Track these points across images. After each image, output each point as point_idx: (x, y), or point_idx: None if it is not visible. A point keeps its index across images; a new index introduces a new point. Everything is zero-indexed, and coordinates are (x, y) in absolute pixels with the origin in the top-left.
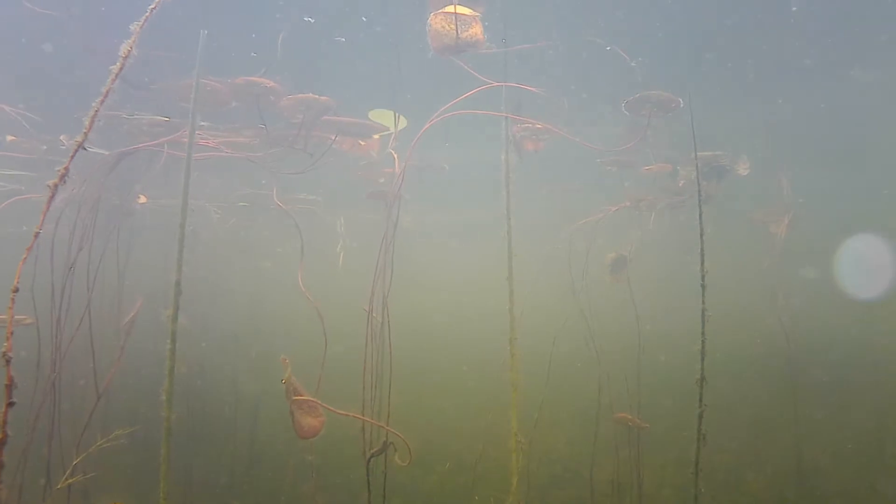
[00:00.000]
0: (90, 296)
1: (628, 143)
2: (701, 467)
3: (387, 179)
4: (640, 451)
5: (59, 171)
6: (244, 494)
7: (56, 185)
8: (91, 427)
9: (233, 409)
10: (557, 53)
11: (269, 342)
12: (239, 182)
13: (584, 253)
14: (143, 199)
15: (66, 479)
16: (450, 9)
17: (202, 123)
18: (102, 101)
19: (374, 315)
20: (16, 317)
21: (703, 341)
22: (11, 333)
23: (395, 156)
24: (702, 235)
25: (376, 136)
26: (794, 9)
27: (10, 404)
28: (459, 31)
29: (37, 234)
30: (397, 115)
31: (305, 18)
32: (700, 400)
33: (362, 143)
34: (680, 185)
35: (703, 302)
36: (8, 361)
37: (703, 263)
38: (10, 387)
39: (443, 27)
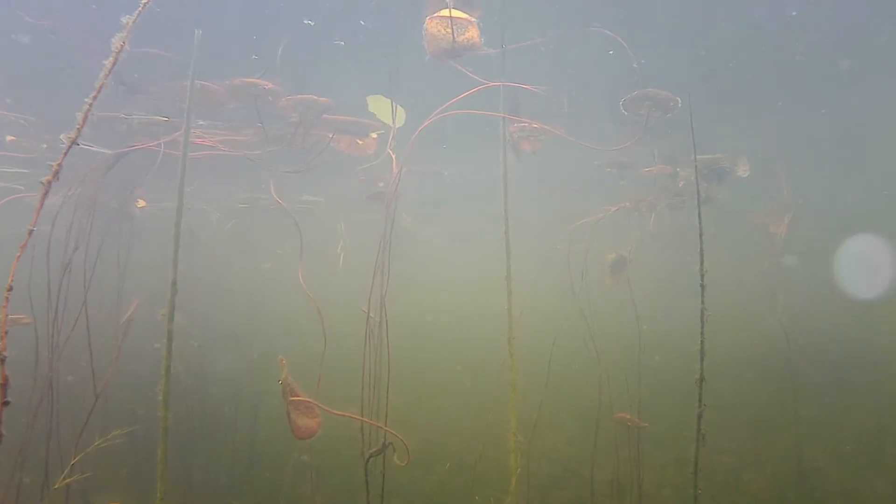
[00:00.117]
0: (86, 295)
1: (626, 143)
2: (701, 467)
3: (386, 183)
4: (639, 451)
5: (52, 166)
6: (244, 494)
7: (49, 182)
8: (91, 427)
9: (232, 408)
10: (556, 53)
11: (269, 342)
12: (239, 184)
13: (584, 253)
14: (142, 204)
15: (64, 479)
16: (445, 13)
17: (201, 123)
18: (96, 97)
19: (372, 315)
20: (13, 316)
21: (702, 341)
22: (6, 333)
23: (394, 156)
24: (701, 235)
25: (374, 135)
26: (794, 13)
27: (5, 403)
28: (456, 35)
29: (31, 232)
30: (395, 105)
31: (305, 21)
32: (699, 400)
33: (360, 141)
34: (680, 185)
35: (703, 302)
36: (2, 361)
37: (702, 263)
38: (4, 386)
39: (439, 31)
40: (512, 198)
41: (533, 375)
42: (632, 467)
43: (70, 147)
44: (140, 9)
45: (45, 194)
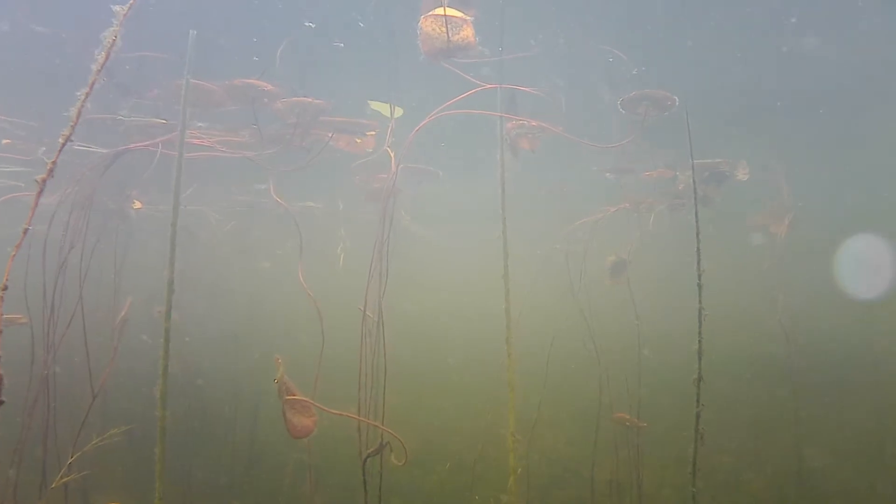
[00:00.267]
0: (81, 294)
1: (622, 141)
2: (700, 467)
3: (381, 184)
4: (639, 450)
5: (47, 164)
6: (243, 494)
7: (44, 180)
8: (90, 427)
9: (232, 408)
10: (554, 53)
11: (268, 342)
12: (237, 186)
13: (584, 254)
14: (137, 205)
15: (61, 478)
16: (440, 11)
17: (199, 124)
18: (88, 93)
19: (370, 315)
20: (9, 316)
21: (699, 341)
22: (1, 332)
23: (392, 154)
24: (698, 235)
25: (371, 133)
26: (794, 20)
27: (0, 403)
28: (450, 35)
29: (26, 231)
30: (393, 106)
31: (306, 24)
32: (697, 400)
33: (358, 140)
34: (680, 188)
35: (700, 302)
36: None
37: (699, 263)
38: None
39: (433, 30)
40: (511, 197)
41: (533, 375)
42: (632, 467)
43: (64, 144)
44: (132, 1)
45: (41, 192)
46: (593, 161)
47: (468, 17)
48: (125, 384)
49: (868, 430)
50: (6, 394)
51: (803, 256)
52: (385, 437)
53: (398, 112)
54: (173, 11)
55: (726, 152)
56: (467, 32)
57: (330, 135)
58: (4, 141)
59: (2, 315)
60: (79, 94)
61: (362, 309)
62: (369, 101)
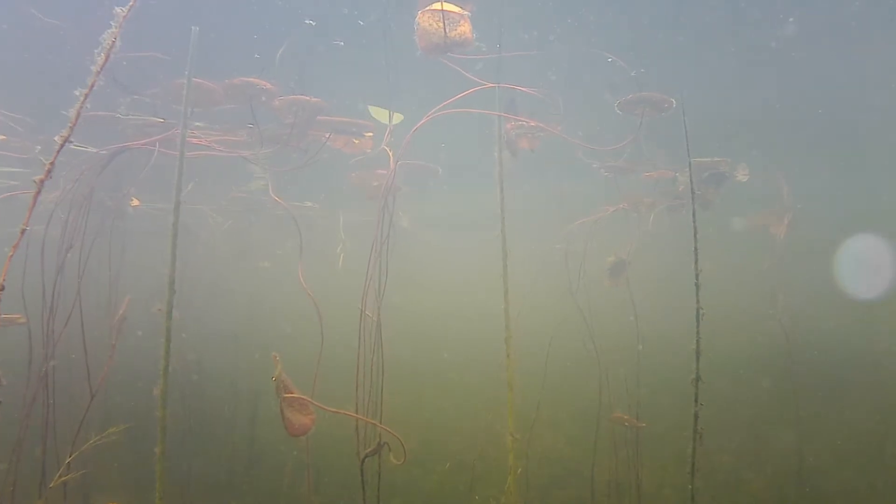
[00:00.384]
0: (78, 294)
1: (624, 143)
2: (700, 467)
3: (380, 182)
4: (638, 450)
5: (45, 165)
6: (243, 494)
7: (42, 181)
8: (90, 426)
9: (232, 408)
10: (552, 51)
11: (268, 342)
12: (235, 185)
13: (583, 253)
14: (135, 203)
15: (59, 477)
16: (437, 6)
17: (197, 124)
18: (87, 94)
19: (369, 314)
20: (8, 316)
21: (697, 340)
22: None
23: (390, 153)
24: (695, 235)
25: (369, 134)
26: (791, 19)
27: None
28: (447, 30)
29: (23, 232)
30: (392, 112)
31: (307, 21)
32: (695, 399)
33: (356, 141)
34: (680, 189)
35: (698, 301)
36: None
37: (696, 262)
38: None
39: (430, 25)
40: (510, 197)
41: (533, 375)
42: (631, 467)
43: (63, 146)
44: (132, 2)
45: (38, 193)
46: (593, 159)
47: (465, 13)
48: (124, 383)
49: (868, 430)
50: (5, 394)
51: (803, 256)
52: (383, 436)
53: (398, 118)
54: (171, 8)
55: (725, 153)
56: (464, 28)
57: (327, 135)
58: (0, 137)
59: (0, 315)
60: (77, 94)
61: (362, 308)
62: (369, 107)
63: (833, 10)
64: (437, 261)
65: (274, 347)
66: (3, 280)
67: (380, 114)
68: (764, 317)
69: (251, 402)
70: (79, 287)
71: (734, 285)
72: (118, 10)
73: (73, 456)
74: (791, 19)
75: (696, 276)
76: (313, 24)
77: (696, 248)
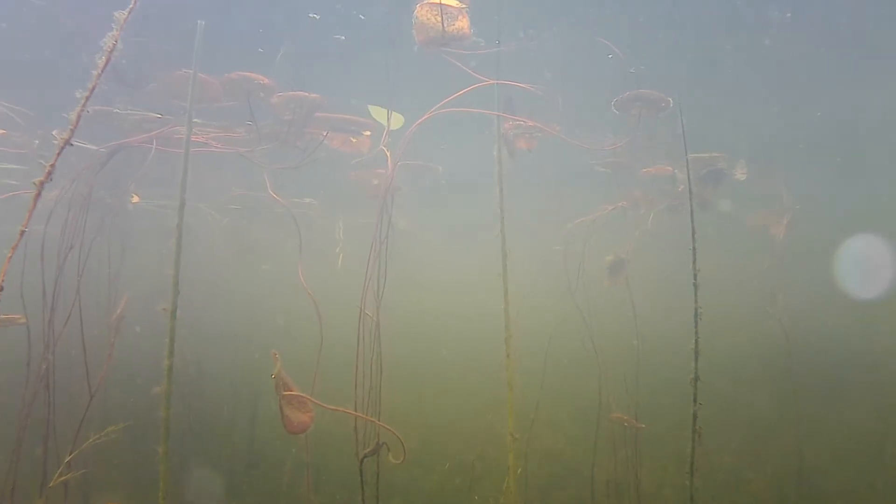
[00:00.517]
0: (78, 293)
1: (621, 143)
2: (700, 467)
3: (380, 181)
4: (637, 450)
5: (45, 166)
6: (242, 494)
7: (42, 183)
8: (90, 426)
9: (231, 408)
10: (551, 49)
11: (268, 342)
12: (233, 182)
13: (582, 253)
14: (135, 199)
15: (59, 477)
16: (435, 0)
17: (196, 121)
18: (88, 98)
19: (369, 314)
20: (8, 316)
21: (696, 340)
22: None
23: (388, 153)
24: (693, 234)
25: (367, 133)
26: (789, 14)
27: None
28: (445, 24)
29: (23, 233)
30: (390, 112)
31: (311, 15)
32: (694, 399)
33: (353, 140)
34: (679, 189)
35: (696, 301)
36: None
37: (694, 262)
38: None
39: (428, 19)
40: (510, 196)
41: (533, 375)
42: (631, 467)
43: (63, 147)
44: (132, 5)
45: (38, 195)
46: (591, 155)
47: (463, 6)
48: (123, 381)
49: (868, 430)
50: (4, 393)
51: (803, 256)
52: (382, 436)
53: (398, 121)
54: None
55: (724, 150)
56: (462, 23)
57: (325, 133)
58: (0, 131)
59: (0, 316)
60: (78, 96)
61: (361, 308)
62: (369, 107)
63: (831, 8)
64: (437, 260)
65: (273, 347)
66: (2, 280)
67: (379, 114)
68: (764, 317)
69: (251, 401)
70: (78, 286)
71: (734, 285)
72: (118, 13)
73: (72, 455)
74: (789, 14)
75: (695, 275)
76: (317, 17)
77: (694, 248)
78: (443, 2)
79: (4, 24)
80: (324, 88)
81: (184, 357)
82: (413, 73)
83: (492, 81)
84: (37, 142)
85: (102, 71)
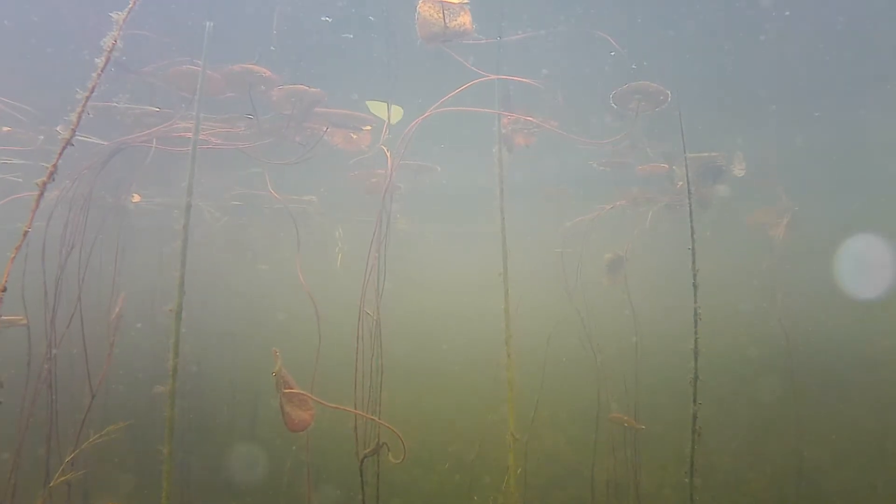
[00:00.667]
0: (79, 292)
1: (616, 137)
2: (699, 467)
3: (379, 179)
4: (636, 451)
5: (47, 167)
6: (242, 494)
7: (45, 183)
8: (90, 426)
9: (231, 408)
10: (551, 46)
11: (268, 341)
12: (232, 179)
13: (581, 252)
14: (136, 198)
15: (59, 477)
16: None
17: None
18: (88, 97)
19: (369, 312)
20: (9, 317)
21: (695, 340)
22: None
23: (388, 152)
24: (693, 234)
25: (367, 128)
26: (787, 13)
27: None
28: (447, 20)
29: (26, 234)
30: (390, 105)
31: (323, 18)
32: (694, 399)
33: (354, 136)
34: (678, 185)
35: (696, 301)
36: None
37: (694, 262)
38: None
39: (431, 15)
40: (509, 196)
41: (533, 375)
42: (631, 467)
43: (65, 147)
44: (131, 6)
45: (41, 196)
46: (590, 153)
47: (465, 3)
48: (123, 380)
49: (868, 429)
50: (6, 394)
51: (803, 256)
52: (382, 436)
53: (398, 114)
54: None
55: (722, 148)
56: (464, 19)
57: (325, 128)
58: (4, 129)
59: (1, 317)
60: (79, 97)
61: (360, 307)
62: (367, 103)
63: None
64: (437, 260)
65: (273, 346)
66: (6, 280)
67: (378, 109)
68: (764, 317)
69: (251, 401)
70: (79, 285)
71: (734, 285)
72: (115, 15)
73: (72, 454)
74: (787, 12)
75: (694, 275)
76: (329, 20)
77: (693, 248)
78: None
79: (7, 22)
80: (324, 84)
81: (184, 356)
82: (413, 71)
83: (491, 77)
84: (41, 137)
85: (102, 70)
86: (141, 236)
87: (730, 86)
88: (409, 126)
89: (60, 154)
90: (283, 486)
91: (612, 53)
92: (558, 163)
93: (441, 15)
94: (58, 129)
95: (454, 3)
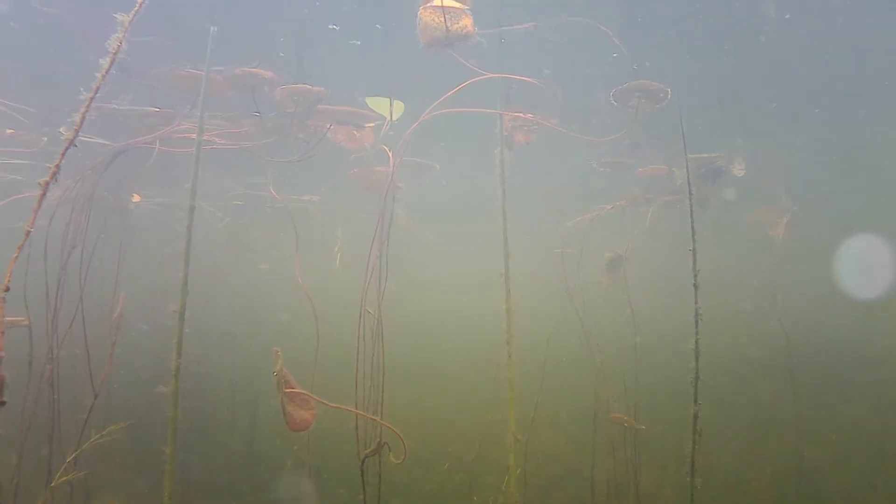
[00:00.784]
0: (81, 293)
1: (615, 135)
2: (699, 467)
3: (379, 176)
4: (636, 451)
5: (50, 168)
6: (242, 494)
7: (47, 184)
8: (92, 427)
9: (231, 408)
10: (550, 46)
11: (268, 341)
12: (235, 179)
13: (581, 252)
14: (137, 198)
15: (61, 476)
16: (438, 1)
17: (198, 115)
18: (92, 99)
19: (370, 311)
20: (10, 318)
21: (696, 340)
22: (3, 333)
23: (389, 151)
24: (693, 235)
25: (369, 125)
26: (788, 16)
27: (1, 403)
28: (449, 24)
29: (28, 233)
30: (392, 101)
31: (330, 26)
32: (694, 399)
33: (356, 133)
34: (678, 184)
35: (696, 301)
36: None
37: (695, 262)
38: (0, 385)
39: (432, 20)
40: (509, 195)
41: (533, 375)
42: (631, 467)
43: (68, 148)
44: (137, 8)
45: (43, 196)
46: (590, 154)
47: (466, 7)
48: (124, 380)
49: (868, 429)
50: (8, 395)
51: (803, 256)
52: (383, 436)
53: (399, 109)
54: None
55: (722, 148)
56: (466, 22)
57: (328, 126)
58: (8, 131)
59: (3, 317)
60: (82, 97)
61: (361, 306)
62: (366, 99)
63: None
64: (436, 259)
65: (273, 345)
66: (8, 280)
67: (379, 105)
68: (764, 317)
69: (251, 401)
70: (81, 285)
71: (734, 285)
72: (121, 16)
73: (74, 454)
74: (788, 15)
75: (695, 276)
76: (337, 28)
77: (693, 248)
78: (445, 3)
79: (13, 23)
80: (327, 83)
81: (186, 356)
82: (414, 71)
83: (492, 75)
84: (45, 139)
85: (107, 72)
86: (142, 236)
87: (730, 86)
88: (412, 126)
89: (63, 154)
90: (284, 486)
91: (615, 55)
92: (558, 163)
93: (442, 20)
94: (61, 129)
95: (455, 8)
